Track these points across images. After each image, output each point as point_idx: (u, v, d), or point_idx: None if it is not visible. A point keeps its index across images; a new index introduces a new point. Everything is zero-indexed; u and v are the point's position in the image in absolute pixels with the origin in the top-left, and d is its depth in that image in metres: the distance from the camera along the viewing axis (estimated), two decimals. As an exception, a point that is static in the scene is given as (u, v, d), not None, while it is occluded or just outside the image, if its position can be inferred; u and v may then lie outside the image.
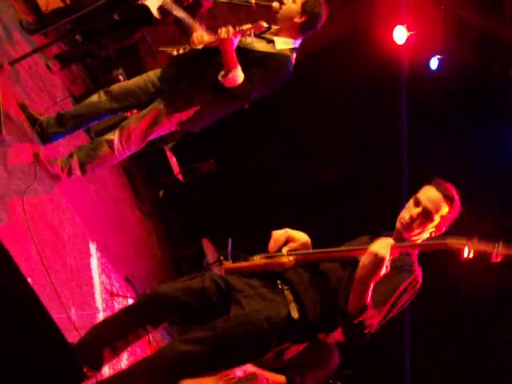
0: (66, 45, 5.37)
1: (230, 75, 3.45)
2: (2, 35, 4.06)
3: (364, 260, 2.46)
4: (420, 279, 2.67)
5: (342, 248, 2.79)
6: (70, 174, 3.75)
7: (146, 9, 4.60)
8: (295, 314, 2.56)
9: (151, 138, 3.77)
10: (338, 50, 7.21)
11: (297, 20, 3.61)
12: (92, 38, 5.41)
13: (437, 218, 2.69)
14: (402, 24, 6.47)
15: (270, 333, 2.54)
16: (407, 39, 6.43)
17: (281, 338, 2.57)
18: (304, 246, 2.83)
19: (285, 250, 2.78)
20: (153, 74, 3.81)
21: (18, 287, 1.62)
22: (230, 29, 3.37)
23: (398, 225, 2.74)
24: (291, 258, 2.71)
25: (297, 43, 3.69)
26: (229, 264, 2.84)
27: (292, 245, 2.81)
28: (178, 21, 4.53)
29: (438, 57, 6.61)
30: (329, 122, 6.99)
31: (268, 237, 2.86)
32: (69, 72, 5.41)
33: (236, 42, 3.41)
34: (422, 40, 6.49)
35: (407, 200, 2.79)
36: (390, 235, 2.66)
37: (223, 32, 3.37)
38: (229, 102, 3.72)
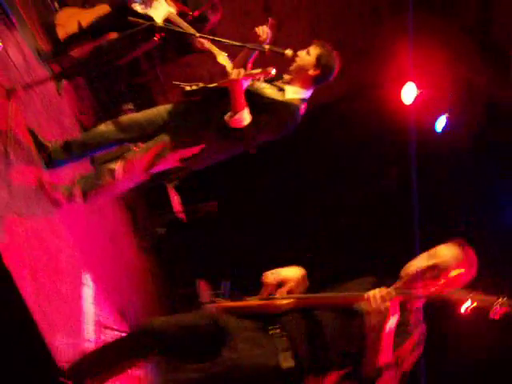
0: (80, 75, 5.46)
1: (237, 116, 3.49)
2: (19, 61, 4.13)
3: (369, 321, 2.44)
4: (423, 334, 2.64)
5: (336, 294, 2.74)
6: (71, 200, 3.75)
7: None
8: (286, 363, 2.52)
9: (154, 171, 3.78)
10: (346, 104, 7.32)
11: (310, 73, 3.65)
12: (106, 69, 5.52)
13: (447, 277, 2.63)
14: (412, 82, 6.58)
15: (260, 381, 2.52)
16: (416, 97, 6.52)
17: None
18: (299, 282, 2.80)
19: (279, 294, 2.76)
20: (163, 109, 3.85)
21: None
22: (241, 71, 3.44)
23: (402, 273, 2.72)
24: (288, 301, 2.68)
25: (307, 94, 3.73)
26: (224, 302, 2.82)
27: (288, 285, 2.79)
28: (179, 34, 4.63)
29: (446, 116, 6.67)
30: (335, 173, 7.04)
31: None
32: (80, 102, 5.48)
33: (245, 84, 3.47)
34: (429, 99, 6.60)
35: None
36: (393, 282, 2.65)
37: (234, 73, 3.44)
38: (234, 143, 3.73)
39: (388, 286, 2.65)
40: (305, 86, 3.69)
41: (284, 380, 2.54)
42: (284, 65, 3.84)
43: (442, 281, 2.63)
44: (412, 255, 2.76)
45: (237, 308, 2.76)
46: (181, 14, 4.73)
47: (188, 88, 3.74)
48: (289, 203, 7.07)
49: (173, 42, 4.96)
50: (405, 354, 2.54)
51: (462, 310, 2.37)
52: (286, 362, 2.52)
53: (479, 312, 2.36)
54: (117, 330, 4.29)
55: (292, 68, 3.70)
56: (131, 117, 3.97)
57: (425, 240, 3.17)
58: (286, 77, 3.76)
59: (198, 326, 2.66)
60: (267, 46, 3.77)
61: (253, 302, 2.77)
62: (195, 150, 3.71)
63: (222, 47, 4.28)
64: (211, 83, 3.76)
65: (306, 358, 2.56)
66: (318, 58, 3.63)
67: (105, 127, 3.85)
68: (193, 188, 6.31)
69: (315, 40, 3.72)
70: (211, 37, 4.11)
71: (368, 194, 7.07)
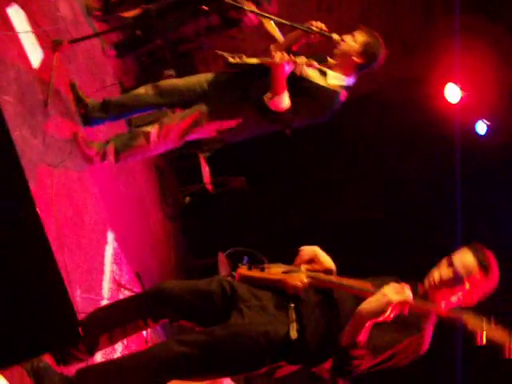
0: (125, 36, 5.48)
1: (276, 99, 3.45)
2: (68, 15, 4.16)
3: (372, 297, 2.41)
4: (426, 342, 2.57)
5: (359, 284, 2.65)
6: (103, 158, 3.78)
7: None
8: (294, 334, 2.50)
9: (189, 138, 3.79)
10: (386, 95, 7.22)
11: (355, 59, 3.59)
12: (152, 34, 5.53)
13: (467, 285, 2.57)
14: (456, 83, 6.47)
15: (266, 349, 2.50)
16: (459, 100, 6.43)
17: (276, 355, 2.53)
18: (326, 271, 2.77)
19: (304, 268, 2.74)
20: (203, 77, 3.84)
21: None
22: (285, 55, 3.38)
23: (425, 282, 2.65)
24: (306, 280, 2.64)
25: (350, 81, 3.67)
26: (243, 270, 2.80)
27: (314, 266, 2.77)
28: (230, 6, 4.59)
29: (486, 122, 6.55)
30: (370, 165, 6.98)
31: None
32: (123, 63, 5.51)
33: (287, 69, 3.41)
34: (472, 101, 6.49)
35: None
36: (415, 287, 2.60)
37: (277, 56, 3.38)
38: (270, 122, 3.71)
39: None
40: (348, 73, 3.63)
41: (293, 352, 2.53)
42: (330, 49, 3.81)
43: (466, 288, 2.57)
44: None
45: (254, 278, 2.74)
46: None
47: (231, 59, 3.72)
48: (317, 188, 7.02)
49: (222, 12, 4.93)
50: (391, 353, 2.51)
51: (479, 340, 2.26)
52: (294, 332, 2.51)
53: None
54: (131, 291, 4.36)
55: (336, 52, 3.64)
56: (171, 82, 3.97)
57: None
58: (330, 60, 3.70)
59: (209, 290, 2.66)
60: (316, 29, 3.73)
61: (272, 275, 2.73)
62: (232, 123, 3.70)
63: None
64: (255, 58, 3.74)
65: (312, 335, 2.55)
66: (364, 45, 3.55)
67: (144, 90, 3.86)
68: (223, 161, 6.31)
69: (362, 26, 3.64)
70: (261, 13, 4.08)
71: (405, 189, 6.97)
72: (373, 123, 7.21)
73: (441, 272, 2.60)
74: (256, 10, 4.26)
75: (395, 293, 2.37)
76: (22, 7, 3.33)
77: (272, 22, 4.09)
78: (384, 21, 7.32)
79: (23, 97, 3.19)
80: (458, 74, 6.42)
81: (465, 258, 2.59)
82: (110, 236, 4.17)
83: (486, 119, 6.62)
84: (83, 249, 3.63)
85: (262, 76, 3.57)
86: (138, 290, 4.48)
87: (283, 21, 4.23)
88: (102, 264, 3.94)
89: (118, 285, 4.13)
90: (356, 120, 6.81)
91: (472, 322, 2.29)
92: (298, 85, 3.54)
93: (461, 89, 6.48)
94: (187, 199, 6.46)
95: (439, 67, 6.71)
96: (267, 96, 3.47)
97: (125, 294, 4.22)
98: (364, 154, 7.19)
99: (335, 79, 3.62)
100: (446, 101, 6.59)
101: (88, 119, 3.86)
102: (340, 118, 3.84)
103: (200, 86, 3.79)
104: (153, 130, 3.73)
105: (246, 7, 4.25)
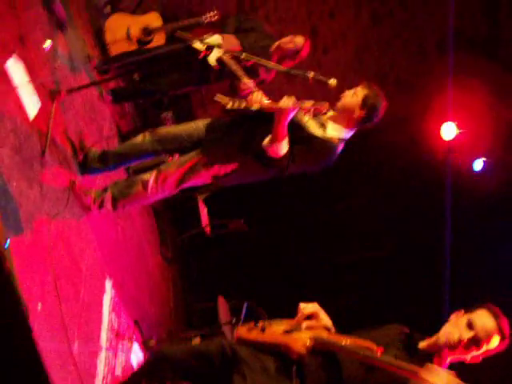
0: (123, 82, 5.51)
1: (275, 145, 3.42)
2: (66, 63, 4.18)
3: None
4: None
5: (362, 344, 2.58)
6: (101, 207, 3.76)
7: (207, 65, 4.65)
8: None
9: (186, 185, 3.78)
10: (385, 136, 7.24)
11: (356, 114, 3.55)
12: (149, 79, 5.55)
13: (484, 348, 2.58)
14: (452, 121, 6.50)
15: None
16: (455, 137, 6.44)
17: None
18: (325, 329, 2.74)
19: (305, 326, 2.71)
20: (201, 124, 3.83)
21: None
22: (292, 99, 3.35)
23: (442, 339, 2.63)
24: (309, 343, 2.59)
25: (349, 134, 3.63)
26: (242, 331, 2.77)
27: (313, 323, 2.74)
28: (232, 76, 4.60)
29: (484, 159, 6.56)
30: (367, 202, 6.96)
31: (288, 305, 2.80)
32: (120, 107, 5.52)
33: (292, 114, 3.38)
34: (469, 140, 6.50)
35: (448, 308, 2.78)
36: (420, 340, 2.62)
37: (284, 101, 3.35)
38: (267, 169, 3.67)
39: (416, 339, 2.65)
40: (348, 126, 3.59)
41: None
42: (327, 94, 3.81)
43: (481, 351, 2.58)
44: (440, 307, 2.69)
45: (255, 341, 2.70)
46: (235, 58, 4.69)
47: (229, 106, 3.71)
48: (316, 228, 6.99)
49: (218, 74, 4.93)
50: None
51: None
52: None
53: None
54: (130, 340, 4.29)
55: (337, 106, 3.60)
56: (169, 129, 3.98)
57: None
58: (330, 113, 3.67)
59: (208, 352, 2.64)
60: (311, 74, 3.72)
61: (273, 337, 2.69)
62: (228, 169, 3.69)
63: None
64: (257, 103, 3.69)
65: None
66: (365, 99, 3.52)
67: (142, 138, 3.86)
68: (221, 203, 6.28)
69: (363, 81, 3.61)
70: (257, 58, 4.08)
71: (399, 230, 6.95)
72: (368, 163, 7.22)
73: (461, 333, 2.58)
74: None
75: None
76: (20, 58, 3.34)
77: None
78: (378, 61, 7.40)
79: (20, 147, 3.17)
80: (453, 113, 6.44)
81: (486, 323, 2.58)
82: (108, 284, 4.11)
83: (483, 156, 6.63)
84: (81, 299, 3.57)
85: (262, 122, 3.55)
86: (137, 338, 4.41)
87: (279, 67, 4.26)
88: (100, 313, 3.87)
89: (116, 334, 4.07)
90: (352, 160, 6.81)
91: None
92: (297, 134, 3.50)
93: (457, 127, 6.50)
94: (185, 241, 6.41)
95: (435, 106, 6.75)
96: (266, 142, 3.45)
97: (124, 343, 4.16)
98: (358, 194, 7.18)
99: (335, 131, 3.58)
100: (442, 139, 6.61)
101: (86, 169, 3.86)
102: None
103: (198, 133, 3.78)
104: (150, 177, 3.72)
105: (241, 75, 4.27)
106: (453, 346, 2.58)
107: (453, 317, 2.67)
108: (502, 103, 6.59)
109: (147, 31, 5.25)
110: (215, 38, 4.50)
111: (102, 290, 4.01)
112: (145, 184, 3.73)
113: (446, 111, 6.51)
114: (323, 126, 3.58)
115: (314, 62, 7.29)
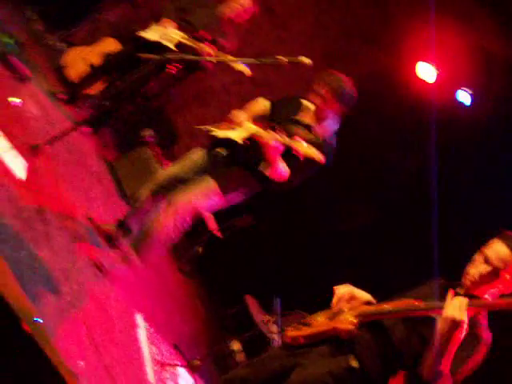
0: (95, 110, 5.40)
1: (272, 170, 3.46)
2: (38, 112, 4.09)
3: (441, 327, 2.41)
4: (489, 341, 2.56)
5: (404, 304, 2.64)
6: (128, 263, 3.73)
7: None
8: (355, 363, 2.55)
9: (199, 212, 3.75)
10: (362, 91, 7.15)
11: (331, 108, 3.59)
12: (120, 101, 5.46)
13: (506, 276, 2.58)
14: (429, 61, 6.42)
15: None
16: (436, 76, 6.37)
17: None
18: (365, 305, 2.78)
19: (346, 308, 2.74)
20: (197, 158, 3.83)
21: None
22: (275, 136, 3.35)
23: (466, 281, 2.65)
24: (355, 320, 2.63)
25: (335, 126, 3.66)
26: (293, 332, 2.79)
27: (353, 302, 2.77)
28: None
29: (467, 90, 6.48)
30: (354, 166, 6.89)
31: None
32: (100, 138, 5.43)
33: (279, 147, 3.36)
34: (449, 76, 6.43)
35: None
36: (457, 287, 2.63)
37: (269, 138, 3.36)
38: (272, 185, 3.68)
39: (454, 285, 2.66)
40: (331, 121, 3.64)
41: (355, 381, 2.56)
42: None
43: (505, 279, 2.59)
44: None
45: (307, 337, 2.73)
46: (194, 38, 4.63)
47: (218, 134, 3.69)
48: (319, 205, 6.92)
49: (185, 64, 4.86)
50: (467, 370, 2.52)
51: None
52: (355, 362, 2.56)
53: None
54: (175, 365, 4.25)
55: (316, 115, 3.64)
56: (168, 173, 3.93)
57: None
58: (312, 118, 3.68)
59: (274, 370, 2.69)
60: (285, 58, 3.66)
61: (321, 327, 2.73)
62: (238, 193, 3.73)
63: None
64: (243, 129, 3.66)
65: (374, 365, 2.58)
66: (331, 92, 3.56)
67: (146, 191, 3.86)
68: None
69: (317, 75, 3.65)
70: (225, 58, 4.03)
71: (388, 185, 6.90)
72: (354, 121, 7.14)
73: (479, 269, 2.60)
74: (213, 58, 4.23)
75: (460, 310, 2.37)
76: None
77: (238, 62, 4.05)
78: (340, 21, 7.30)
79: (19, 213, 3.09)
80: (428, 52, 6.35)
81: (499, 252, 2.60)
82: (139, 318, 4.06)
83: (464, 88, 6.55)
84: (118, 342, 3.52)
85: (256, 148, 3.50)
86: (180, 362, 4.37)
87: (250, 60, 4.18)
88: (139, 350, 3.83)
89: (160, 365, 4.03)
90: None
91: None
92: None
93: (435, 66, 6.43)
94: (199, 250, 6.34)
95: (407, 49, 6.67)
96: (263, 167, 3.48)
97: (169, 371, 4.13)
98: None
99: (323, 131, 3.61)
100: (422, 80, 6.53)
101: (114, 243, 3.86)
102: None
103: (197, 165, 3.78)
104: (161, 213, 3.66)
105: (205, 57, 4.25)
106: (477, 284, 2.60)
107: (475, 256, 2.68)
108: (474, 31, 6.50)
109: (108, 57, 5.14)
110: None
111: (135, 326, 3.96)
112: (159, 220, 3.67)
113: (420, 52, 6.43)
114: (309, 129, 3.60)
115: (276, 40, 7.21)
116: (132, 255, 3.68)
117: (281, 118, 3.70)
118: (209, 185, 3.64)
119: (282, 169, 3.48)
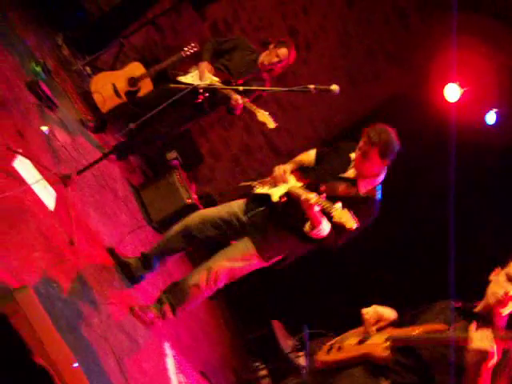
0: (122, 136, 5.42)
1: (316, 230, 3.37)
2: (67, 140, 4.10)
3: (471, 360, 2.40)
4: None
5: (433, 329, 2.65)
6: (163, 318, 3.71)
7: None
8: None
9: (240, 277, 3.70)
10: (388, 112, 7.11)
11: (379, 169, 3.48)
12: (146, 126, 5.46)
13: None
14: (454, 82, 6.36)
15: None
16: (461, 96, 6.31)
17: None
18: (393, 324, 2.80)
19: (374, 330, 2.76)
20: (236, 208, 3.72)
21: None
22: (314, 198, 3.19)
23: (490, 300, 2.65)
24: (386, 344, 2.63)
25: (381, 178, 3.54)
26: (321, 357, 2.80)
27: (381, 323, 2.80)
28: (224, 100, 4.54)
29: (495, 110, 6.41)
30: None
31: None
32: (126, 163, 5.44)
33: (317, 209, 3.23)
34: (476, 96, 6.36)
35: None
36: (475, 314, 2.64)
37: (305, 199, 3.23)
38: (316, 245, 3.60)
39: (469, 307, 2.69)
40: (379, 177, 3.52)
41: None
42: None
43: None
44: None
45: (338, 361, 2.74)
46: (224, 82, 4.62)
47: (259, 190, 3.64)
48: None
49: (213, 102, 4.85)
50: None
51: None
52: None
53: None
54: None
55: (358, 171, 3.50)
56: (204, 217, 3.77)
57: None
58: (353, 171, 3.56)
59: None
60: (312, 86, 3.63)
61: (351, 352, 2.73)
62: (282, 254, 3.64)
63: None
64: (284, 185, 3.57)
65: None
66: (382, 153, 3.38)
67: (173, 233, 3.77)
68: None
69: (366, 129, 3.46)
70: (253, 88, 4.02)
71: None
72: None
73: (505, 288, 2.61)
74: (246, 103, 4.25)
75: (487, 340, 2.37)
76: (24, 154, 3.24)
77: (263, 112, 4.08)
78: (363, 41, 7.28)
79: (49, 244, 3.09)
80: (454, 74, 6.30)
81: None
82: (166, 346, 4.03)
83: (492, 109, 6.48)
84: (147, 371, 3.50)
85: (297, 207, 3.39)
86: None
87: (279, 88, 4.20)
88: (168, 379, 3.80)
89: (189, 393, 3.99)
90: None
91: None
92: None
93: (460, 86, 6.37)
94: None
95: (432, 70, 6.62)
96: (307, 227, 3.39)
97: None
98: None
99: (368, 185, 3.49)
100: (447, 101, 6.47)
101: (135, 279, 3.82)
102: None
103: (236, 218, 3.68)
104: (201, 278, 3.62)
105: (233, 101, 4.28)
106: (502, 303, 2.61)
107: (492, 276, 2.70)
108: (500, 51, 6.44)
109: (132, 81, 5.15)
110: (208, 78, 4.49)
111: (163, 354, 3.93)
112: (197, 286, 3.65)
113: (447, 73, 6.37)
114: (354, 184, 3.48)
115: (299, 61, 7.19)
116: (168, 314, 3.68)
117: (327, 173, 3.59)
118: (249, 250, 3.57)
119: (326, 228, 3.36)
